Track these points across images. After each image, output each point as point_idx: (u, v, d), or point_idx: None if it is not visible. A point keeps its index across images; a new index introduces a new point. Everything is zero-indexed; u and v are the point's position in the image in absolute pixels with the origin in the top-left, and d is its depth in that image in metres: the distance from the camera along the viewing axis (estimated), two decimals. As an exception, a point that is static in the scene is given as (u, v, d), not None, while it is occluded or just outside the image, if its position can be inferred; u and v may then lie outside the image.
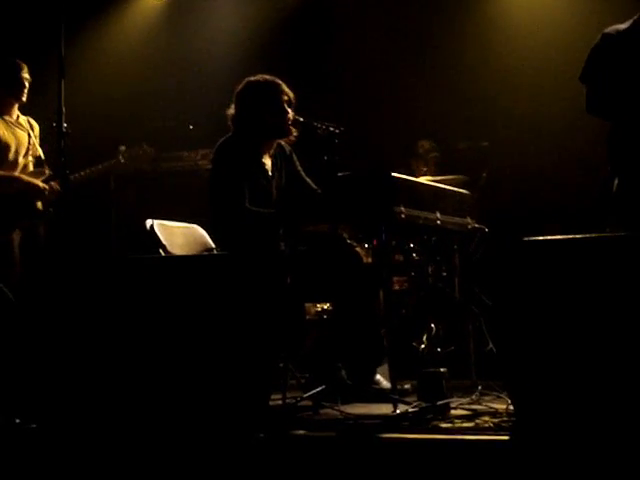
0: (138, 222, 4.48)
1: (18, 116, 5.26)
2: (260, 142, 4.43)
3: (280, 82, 4.42)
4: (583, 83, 4.14)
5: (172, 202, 6.34)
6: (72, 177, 4.72)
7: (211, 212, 4.40)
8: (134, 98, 7.06)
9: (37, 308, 4.01)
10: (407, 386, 4.31)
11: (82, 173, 5.28)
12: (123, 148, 5.46)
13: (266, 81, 4.41)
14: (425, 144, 6.81)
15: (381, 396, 4.02)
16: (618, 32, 4.10)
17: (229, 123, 4.46)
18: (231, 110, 4.45)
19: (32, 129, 5.31)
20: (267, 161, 4.46)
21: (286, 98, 4.40)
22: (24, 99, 5.19)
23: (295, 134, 4.44)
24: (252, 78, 4.45)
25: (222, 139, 4.40)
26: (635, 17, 4.10)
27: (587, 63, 4.14)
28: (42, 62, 5.15)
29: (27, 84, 5.16)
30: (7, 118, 5.18)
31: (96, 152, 5.77)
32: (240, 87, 4.45)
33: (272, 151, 4.50)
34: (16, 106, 5.25)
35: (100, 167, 5.40)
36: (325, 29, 7.28)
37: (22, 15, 6.76)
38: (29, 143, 5.24)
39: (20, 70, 5.14)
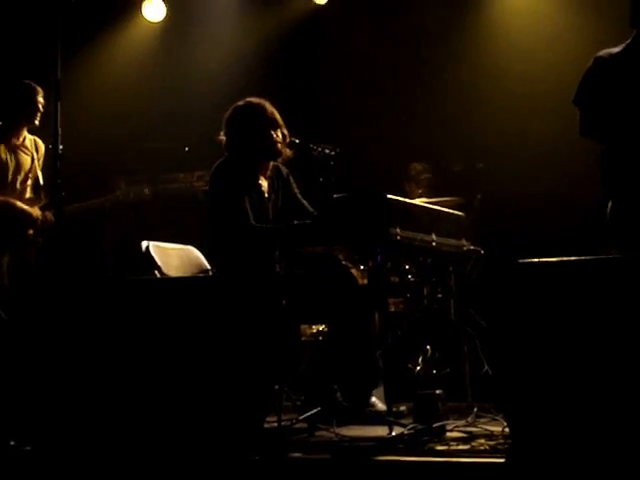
0: (134, 243, 4.48)
1: (25, 138, 5.27)
2: (254, 165, 4.45)
3: (265, 105, 4.44)
4: (576, 106, 4.16)
5: (168, 223, 6.34)
6: (67, 209, 4.77)
7: (211, 233, 4.40)
8: (130, 120, 7.08)
9: (28, 329, 3.99)
10: (402, 408, 4.30)
11: (77, 205, 5.30)
12: (123, 186, 5.49)
13: (251, 105, 4.44)
14: (417, 166, 6.82)
15: (377, 418, 4.00)
16: (611, 55, 4.12)
17: (223, 149, 4.48)
18: (222, 136, 4.48)
19: (37, 150, 5.32)
20: (264, 183, 4.48)
21: (273, 122, 4.42)
22: (37, 123, 5.21)
23: (288, 154, 4.46)
24: (239, 103, 4.48)
25: (218, 161, 4.42)
26: (628, 41, 4.13)
27: (580, 86, 4.16)
28: (38, 85, 5.17)
29: (41, 108, 5.18)
30: (14, 141, 5.19)
31: (92, 174, 5.78)
32: (228, 114, 4.48)
33: (269, 173, 4.51)
34: (26, 128, 5.27)
35: (97, 201, 5.45)
36: (319, 50, 7.32)
37: (19, 38, 6.79)
38: (30, 167, 5.25)
39: (36, 94, 5.15)
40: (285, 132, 4.45)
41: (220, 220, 4.32)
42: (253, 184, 4.41)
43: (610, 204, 4.08)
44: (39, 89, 5.16)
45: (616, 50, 4.12)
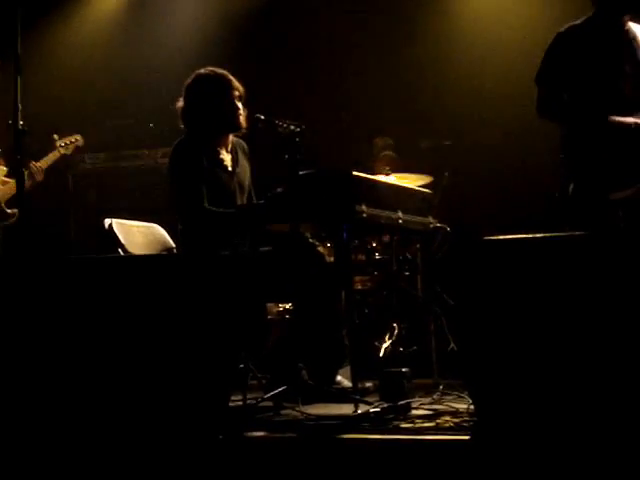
0: (98, 221, 4.43)
1: None
2: (213, 136, 4.41)
3: (230, 76, 4.42)
4: (537, 85, 4.14)
5: (132, 201, 6.30)
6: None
7: (174, 212, 4.39)
8: (94, 96, 7.01)
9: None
10: (368, 384, 4.29)
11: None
12: (56, 136, 5.57)
13: (216, 74, 4.41)
14: (379, 142, 6.73)
15: (342, 396, 3.99)
16: (571, 31, 4.12)
17: (179, 116, 4.44)
18: (180, 103, 4.44)
19: None
20: (225, 156, 4.45)
21: (237, 93, 4.40)
22: None
23: (245, 127, 4.43)
24: (202, 71, 4.44)
25: (177, 141, 4.39)
26: (589, 15, 4.13)
27: (542, 64, 4.15)
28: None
29: None
30: None
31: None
32: (190, 80, 4.44)
33: (229, 146, 4.49)
34: None
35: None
36: (286, 27, 7.27)
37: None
38: None
39: None
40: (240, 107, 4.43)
41: (177, 202, 4.32)
42: (214, 158, 4.37)
43: (572, 187, 4.09)
44: None
45: (577, 25, 4.12)
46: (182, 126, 4.45)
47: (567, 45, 4.08)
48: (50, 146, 5.73)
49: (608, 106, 3.99)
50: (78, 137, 5.86)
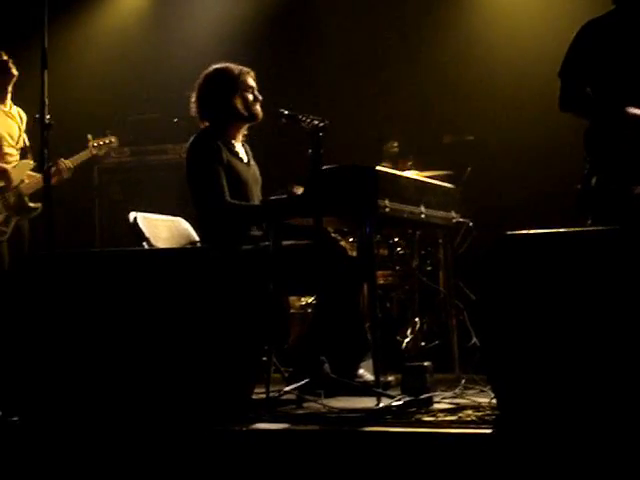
0: (123, 215, 4.47)
1: (11, 106, 5.30)
2: (229, 127, 4.45)
3: (246, 69, 4.50)
4: (560, 79, 4.13)
5: (157, 195, 6.34)
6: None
7: (195, 207, 4.42)
8: (118, 91, 7.05)
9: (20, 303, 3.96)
10: (390, 378, 4.30)
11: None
12: (90, 136, 5.62)
13: (235, 67, 4.48)
14: (384, 150, 6.65)
15: (365, 389, 4.01)
16: (593, 24, 4.10)
17: (194, 110, 4.51)
18: (194, 97, 4.49)
19: (22, 120, 5.36)
20: (239, 149, 4.49)
21: (252, 84, 4.49)
22: (9, 88, 5.26)
23: (261, 117, 4.46)
24: (219, 65, 4.50)
25: (193, 137, 4.43)
26: (610, 9, 4.11)
27: (565, 57, 4.14)
28: (24, 54, 5.15)
29: (15, 72, 5.23)
30: (1, 107, 5.23)
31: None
32: (208, 72, 4.50)
33: (242, 139, 4.53)
34: (9, 95, 5.29)
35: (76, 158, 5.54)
36: (308, 23, 7.29)
37: (4, 6, 6.74)
38: (18, 135, 5.28)
39: (6, 61, 5.20)
40: (258, 96, 4.47)
41: (198, 197, 4.35)
42: (230, 149, 4.41)
43: (594, 180, 4.06)
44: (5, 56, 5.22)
45: (600, 18, 4.10)
46: (197, 116, 4.49)
47: (590, 38, 4.06)
48: (81, 144, 5.76)
49: (629, 100, 3.97)
50: (113, 139, 5.87)
